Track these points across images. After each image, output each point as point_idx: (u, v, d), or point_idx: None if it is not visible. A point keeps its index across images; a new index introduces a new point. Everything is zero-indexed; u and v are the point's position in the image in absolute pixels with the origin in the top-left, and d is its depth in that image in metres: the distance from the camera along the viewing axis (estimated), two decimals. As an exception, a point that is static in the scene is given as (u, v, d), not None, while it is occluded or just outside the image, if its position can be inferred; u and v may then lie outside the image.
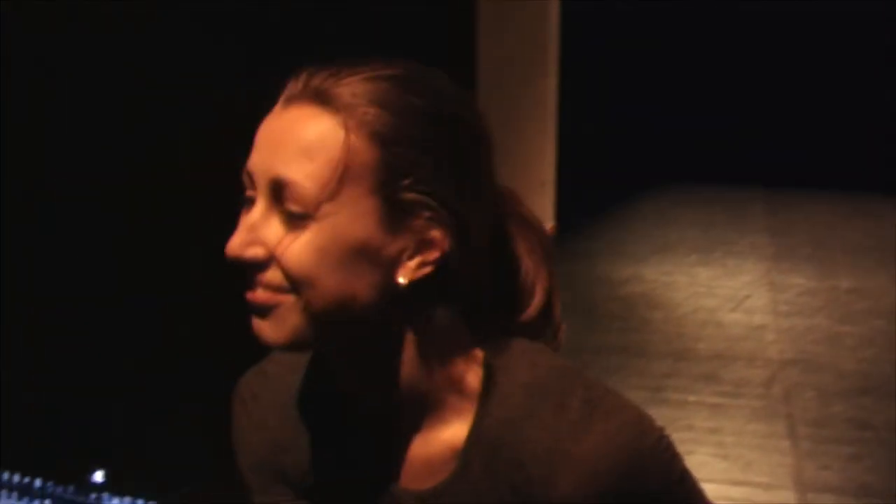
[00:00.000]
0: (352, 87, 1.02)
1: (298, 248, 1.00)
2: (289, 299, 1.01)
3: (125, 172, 2.50)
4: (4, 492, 1.35)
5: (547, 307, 1.17)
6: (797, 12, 8.20)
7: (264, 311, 1.03)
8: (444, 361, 1.09)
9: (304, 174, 1.00)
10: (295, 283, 1.00)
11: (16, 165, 2.22)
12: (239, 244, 1.02)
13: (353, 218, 1.00)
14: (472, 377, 1.09)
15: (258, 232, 1.01)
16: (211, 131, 2.56)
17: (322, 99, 1.02)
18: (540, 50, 6.27)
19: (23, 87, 2.23)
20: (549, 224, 6.67)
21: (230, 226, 1.03)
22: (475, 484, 1.08)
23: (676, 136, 8.05)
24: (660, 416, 1.10)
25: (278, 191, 1.01)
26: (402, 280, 1.03)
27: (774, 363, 4.96)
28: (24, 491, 1.34)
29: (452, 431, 1.09)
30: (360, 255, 1.01)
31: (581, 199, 7.01)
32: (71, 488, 1.33)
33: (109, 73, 2.44)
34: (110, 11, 2.36)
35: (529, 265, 1.16)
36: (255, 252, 1.01)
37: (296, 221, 1.00)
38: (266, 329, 1.04)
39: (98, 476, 1.32)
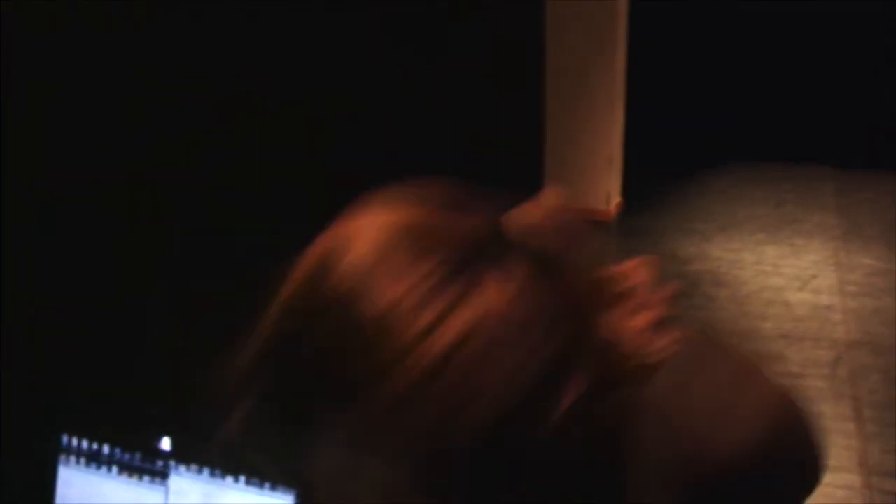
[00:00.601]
0: None
1: None
2: None
3: (125, 172, 2.51)
4: (73, 458, 1.38)
5: None
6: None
7: None
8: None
9: None
10: None
11: (16, 165, 2.25)
12: None
13: None
14: None
15: None
16: (211, 131, 2.56)
17: None
18: (607, 30, 6.23)
19: (23, 87, 2.25)
20: (615, 200, 6.61)
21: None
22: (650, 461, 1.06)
23: (745, 114, 7.91)
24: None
25: None
26: None
27: (840, 344, 4.87)
28: (92, 457, 1.37)
29: None
30: None
31: (648, 176, 6.93)
32: (138, 455, 1.35)
33: (109, 73, 2.45)
34: (110, 11, 2.37)
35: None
36: None
37: None
38: None
39: (165, 443, 1.34)
